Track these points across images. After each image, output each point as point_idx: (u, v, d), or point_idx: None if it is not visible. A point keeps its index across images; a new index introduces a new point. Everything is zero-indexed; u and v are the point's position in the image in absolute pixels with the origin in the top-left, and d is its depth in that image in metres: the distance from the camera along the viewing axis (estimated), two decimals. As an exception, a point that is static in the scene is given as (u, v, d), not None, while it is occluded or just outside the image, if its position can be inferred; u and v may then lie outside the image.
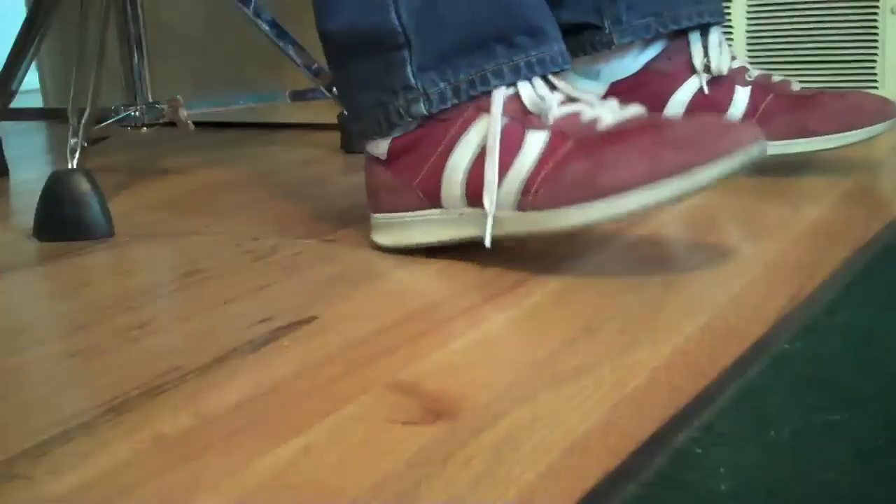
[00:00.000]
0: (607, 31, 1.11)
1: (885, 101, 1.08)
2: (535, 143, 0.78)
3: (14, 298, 0.84)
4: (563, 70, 0.84)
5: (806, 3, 1.48)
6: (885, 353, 0.64)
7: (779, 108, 1.07)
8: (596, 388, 0.58)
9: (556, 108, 0.80)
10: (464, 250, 0.85)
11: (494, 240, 0.80)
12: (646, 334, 0.66)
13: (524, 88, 0.81)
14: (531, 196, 0.78)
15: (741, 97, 1.08)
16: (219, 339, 0.69)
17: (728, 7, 1.52)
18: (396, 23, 0.82)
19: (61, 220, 1.00)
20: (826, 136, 1.06)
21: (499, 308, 0.73)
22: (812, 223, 0.90)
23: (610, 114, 0.79)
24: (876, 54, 1.45)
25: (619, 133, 0.77)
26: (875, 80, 1.45)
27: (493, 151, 0.79)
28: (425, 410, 0.56)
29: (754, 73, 1.10)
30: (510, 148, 0.79)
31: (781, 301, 0.72)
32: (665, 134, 0.75)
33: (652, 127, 0.77)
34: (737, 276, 0.77)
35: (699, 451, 0.51)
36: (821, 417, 0.55)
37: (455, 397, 0.57)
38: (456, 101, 0.82)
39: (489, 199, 0.79)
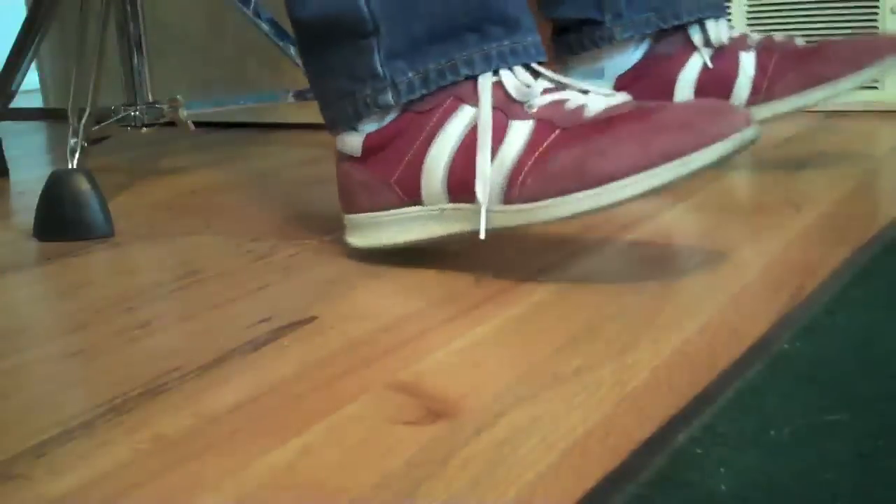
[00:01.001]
0: (608, 26, 1.11)
1: (892, 36, 1.07)
2: (519, 132, 0.77)
3: (14, 298, 0.84)
4: (537, 62, 0.81)
5: (806, 3, 1.48)
6: (885, 353, 0.64)
7: (787, 65, 1.06)
8: (596, 388, 0.58)
9: (540, 95, 0.78)
10: (464, 251, 0.85)
11: (493, 236, 0.79)
12: (646, 334, 0.66)
13: (507, 76, 0.79)
14: (517, 188, 0.76)
15: (748, 62, 1.08)
16: (219, 339, 0.69)
17: (728, 7, 1.52)
18: (365, 10, 0.80)
19: (61, 220, 1.00)
20: (841, 79, 1.05)
21: (499, 308, 0.73)
22: (812, 223, 0.90)
23: (596, 101, 0.77)
24: (876, 54, 1.45)
25: (608, 120, 0.75)
26: (875, 81, 1.45)
27: (485, 138, 0.77)
28: (425, 410, 0.56)
29: (755, 37, 1.09)
30: (494, 135, 0.77)
31: (781, 301, 0.72)
32: (655, 119, 0.73)
33: (641, 113, 0.75)
34: (737, 276, 0.77)
35: (699, 451, 0.51)
36: (821, 417, 0.55)
37: (455, 397, 0.57)
38: (425, 91, 0.80)
39: (482, 190, 0.76)
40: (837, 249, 0.82)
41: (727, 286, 0.75)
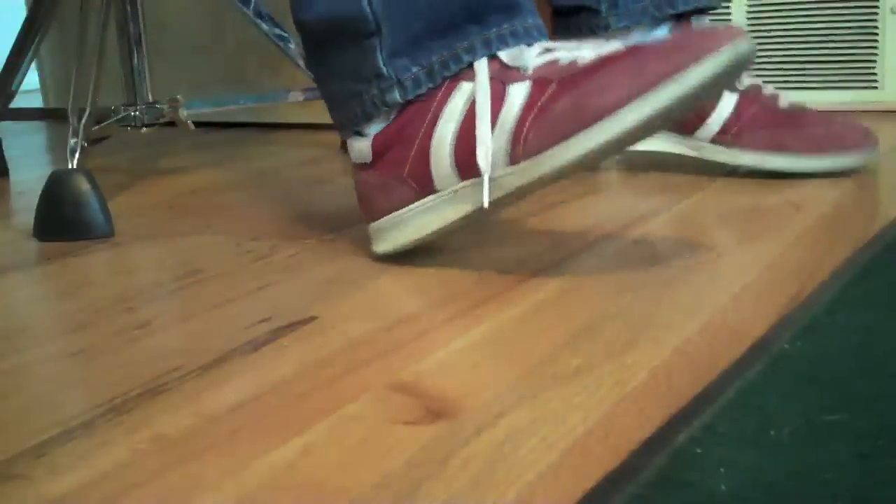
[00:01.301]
0: (603, 14, 1.11)
1: (867, 132, 1.07)
2: (517, 93, 0.77)
3: (14, 298, 0.84)
4: (537, 42, 0.81)
5: (806, 3, 1.48)
6: (885, 353, 0.64)
7: (763, 122, 1.07)
8: (596, 388, 0.58)
9: (534, 57, 0.78)
10: (464, 251, 0.85)
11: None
12: (646, 334, 0.66)
13: (501, 50, 0.79)
14: (521, 145, 0.75)
15: (726, 103, 1.08)
16: (219, 339, 0.69)
17: (728, 7, 1.52)
18: (368, 10, 0.80)
19: (61, 220, 1.00)
20: (800, 156, 1.06)
21: (499, 308, 0.73)
22: (812, 223, 0.90)
23: (589, 52, 0.77)
24: (876, 54, 1.45)
25: (599, 61, 0.75)
26: (875, 81, 1.45)
27: (484, 107, 0.77)
28: (425, 410, 0.56)
29: (746, 81, 1.09)
30: (493, 106, 0.77)
31: (781, 301, 0.72)
32: (646, 49, 0.73)
33: (634, 48, 0.74)
34: (737, 276, 0.77)
35: (699, 451, 0.51)
36: (821, 417, 0.55)
37: (455, 397, 0.57)
38: (431, 86, 0.80)
39: (483, 157, 0.76)
40: (837, 249, 0.82)
41: (727, 286, 0.75)
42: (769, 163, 1.07)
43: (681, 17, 1.11)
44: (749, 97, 1.08)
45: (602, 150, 0.73)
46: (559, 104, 0.74)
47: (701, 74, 0.70)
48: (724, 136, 1.08)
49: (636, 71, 0.72)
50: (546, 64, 0.78)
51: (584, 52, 0.77)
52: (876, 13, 1.44)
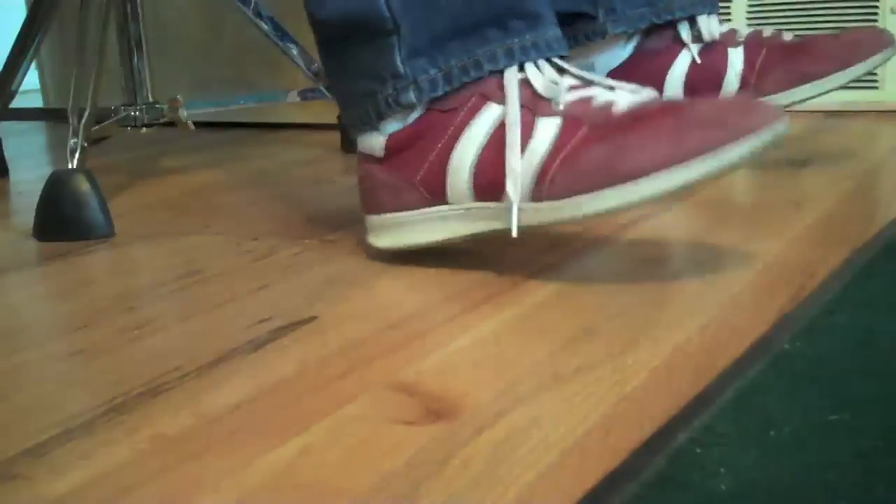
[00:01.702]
0: (601, 20, 1.11)
1: (880, 31, 1.07)
2: (547, 129, 0.76)
3: (14, 298, 0.84)
4: (559, 55, 0.81)
5: (806, 3, 1.48)
6: (885, 353, 0.64)
7: (775, 60, 1.07)
8: (596, 388, 0.58)
9: (567, 92, 0.77)
10: (464, 251, 0.85)
11: (497, 235, 0.78)
12: (646, 334, 0.66)
13: (533, 73, 0.78)
14: (546, 185, 0.75)
15: (736, 58, 1.08)
16: (219, 339, 0.69)
17: (728, 7, 1.52)
18: (385, 9, 0.79)
19: (61, 220, 1.00)
20: (826, 77, 1.05)
21: (499, 308, 0.73)
22: (812, 223, 0.90)
23: (624, 97, 0.76)
24: (876, 54, 1.45)
25: (638, 116, 0.74)
26: (875, 80, 1.45)
27: (514, 135, 0.76)
28: (425, 410, 0.56)
29: (744, 31, 1.10)
30: (522, 134, 0.76)
31: (781, 301, 0.72)
32: (687, 114, 0.73)
33: (672, 108, 0.74)
34: (737, 276, 0.77)
35: (699, 451, 0.51)
36: (821, 417, 0.55)
37: (455, 397, 0.57)
38: (448, 89, 0.80)
39: (513, 187, 0.76)
40: (837, 249, 0.82)
41: (727, 286, 0.75)
42: (799, 94, 1.06)
43: (673, 24, 1.11)
44: (754, 43, 1.08)
45: (626, 207, 0.73)
46: (591, 154, 0.74)
47: (738, 154, 0.71)
48: (745, 90, 1.07)
49: (674, 139, 0.72)
50: (579, 101, 0.77)
51: (619, 95, 0.77)
52: (876, 13, 1.44)
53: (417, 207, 0.82)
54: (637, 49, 1.12)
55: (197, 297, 0.79)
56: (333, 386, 0.60)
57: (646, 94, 0.78)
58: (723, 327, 0.68)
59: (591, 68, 1.13)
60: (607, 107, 0.76)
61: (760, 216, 0.95)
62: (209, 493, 0.48)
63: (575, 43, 1.13)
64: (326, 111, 1.50)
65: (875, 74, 1.45)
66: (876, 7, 1.44)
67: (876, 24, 1.44)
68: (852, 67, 1.05)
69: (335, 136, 1.48)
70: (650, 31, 1.12)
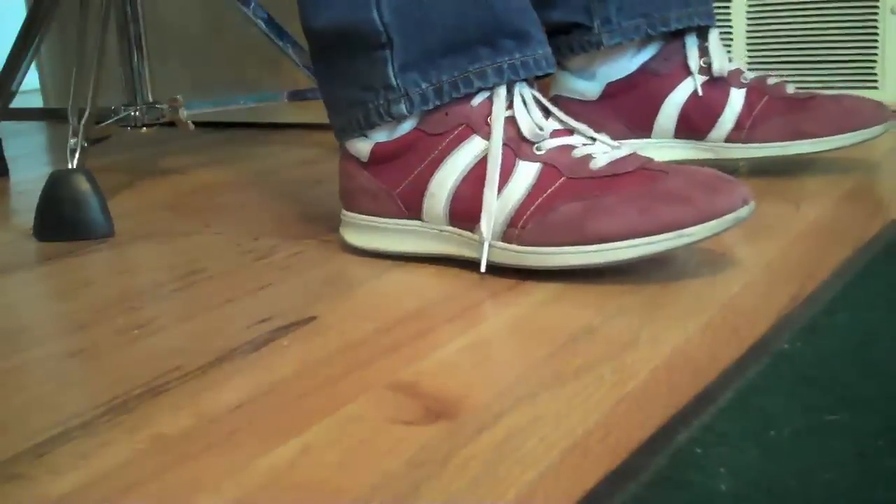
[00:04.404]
0: (596, 31, 1.11)
1: (879, 104, 1.08)
2: (525, 174, 0.78)
3: (14, 298, 0.84)
4: (547, 74, 0.83)
5: (806, 3, 1.48)
6: (885, 353, 0.64)
7: (774, 110, 1.07)
8: (596, 388, 0.58)
9: (549, 138, 0.79)
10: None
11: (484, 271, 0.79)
12: (646, 334, 0.66)
13: (521, 113, 0.80)
14: (518, 230, 0.77)
15: (736, 99, 1.08)
16: (219, 339, 0.69)
17: (728, 7, 1.52)
18: (378, 22, 0.81)
19: (61, 220, 1.00)
20: (821, 139, 1.06)
21: (499, 308, 0.73)
22: (812, 223, 0.90)
23: (603, 152, 0.79)
24: (876, 54, 1.45)
25: (612, 178, 0.76)
26: (875, 81, 1.45)
27: (494, 174, 0.78)
28: (425, 410, 0.56)
29: (750, 75, 1.10)
30: (501, 173, 0.78)
31: (781, 301, 0.72)
32: (658, 187, 0.75)
33: (645, 177, 0.76)
34: (737, 276, 0.77)
35: (699, 451, 0.51)
36: (821, 417, 0.55)
37: (455, 397, 0.57)
38: (438, 103, 0.81)
39: (486, 225, 0.78)
40: (837, 249, 0.82)
41: (727, 286, 0.75)
42: (790, 150, 1.06)
43: (679, 35, 1.10)
44: (756, 89, 1.08)
45: (588, 266, 0.76)
46: (563, 208, 0.76)
47: (700, 234, 0.74)
48: (739, 133, 1.07)
49: (642, 210, 0.74)
50: (559, 149, 0.79)
51: (598, 149, 0.79)
52: (876, 13, 1.44)
53: (393, 217, 0.84)
54: (642, 67, 1.12)
55: (197, 297, 0.79)
56: (333, 386, 0.60)
57: (624, 150, 0.80)
58: (723, 327, 0.68)
59: (591, 76, 1.13)
60: (585, 160, 0.78)
61: (760, 216, 0.94)
62: (209, 493, 0.48)
63: (570, 52, 1.13)
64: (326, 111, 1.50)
65: (875, 74, 1.45)
66: (876, 7, 1.44)
67: (876, 24, 1.44)
68: (847, 135, 1.05)
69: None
70: (661, 52, 1.11)
